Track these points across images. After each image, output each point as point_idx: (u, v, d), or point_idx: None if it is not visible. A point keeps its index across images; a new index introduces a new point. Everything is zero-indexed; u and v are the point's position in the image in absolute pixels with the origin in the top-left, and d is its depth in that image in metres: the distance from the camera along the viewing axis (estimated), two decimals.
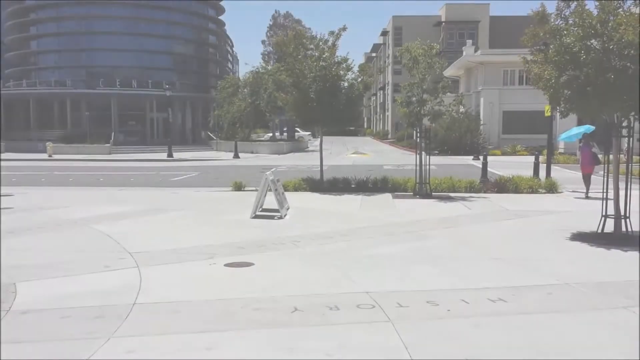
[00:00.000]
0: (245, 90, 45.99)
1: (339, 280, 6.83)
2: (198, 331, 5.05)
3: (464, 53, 45.31)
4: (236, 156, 36.65)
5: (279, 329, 5.15)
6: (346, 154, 40.44)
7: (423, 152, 15.42)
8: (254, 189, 16.08)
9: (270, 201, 12.40)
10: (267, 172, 12.47)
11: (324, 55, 16.53)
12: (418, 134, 15.79)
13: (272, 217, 11.83)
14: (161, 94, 42.25)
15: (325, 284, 6.65)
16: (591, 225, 10.25)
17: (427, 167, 15.37)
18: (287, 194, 14.96)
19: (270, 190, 12.31)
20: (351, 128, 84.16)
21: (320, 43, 16.73)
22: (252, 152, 41.96)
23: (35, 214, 12.31)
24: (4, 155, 40.06)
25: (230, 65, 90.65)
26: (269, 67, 45.79)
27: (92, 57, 57.21)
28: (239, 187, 17.08)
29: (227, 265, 7.62)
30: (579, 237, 9.66)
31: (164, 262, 7.82)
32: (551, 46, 9.50)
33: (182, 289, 6.47)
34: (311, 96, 16.24)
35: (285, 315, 5.49)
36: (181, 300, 5.97)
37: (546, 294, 6.27)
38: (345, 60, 16.83)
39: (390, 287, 6.53)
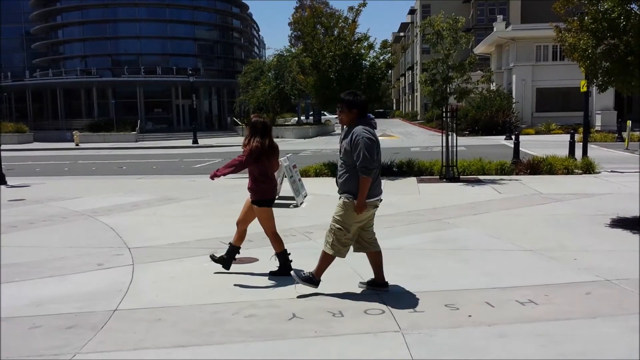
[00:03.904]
0: (269, 74, 45.23)
1: (348, 278, 6.10)
2: (177, 345, 4.39)
3: (495, 29, 43.74)
4: None
5: (270, 342, 4.47)
6: None
7: (451, 133, 14.54)
8: None
9: (287, 188, 11.76)
10: (282, 159, 11.77)
11: (343, 34, 15.71)
12: (444, 114, 14.90)
13: (287, 206, 11.19)
14: (186, 80, 41.85)
15: (332, 283, 5.92)
16: (633, 209, 9.36)
17: (455, 148, 14.51)
18: (307, 179, 14.34)
19: (286, 177, 11.66)
20: (380, 110, 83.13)
21: (340, 20, 15.91)
22: (277, 137, 41.34)
23: (44, 206, 11.90)
24: (33, 145, 40.40)
25: (256, 50, 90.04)
26: (294, 50, 44.84)
27: (116, 45, 57.20)
28: None
29: None
30: (620, 223, 8.76)
31: (162, 258, 7.23)
32: (587, 12, 8.58)
33: (173, 291, 5.85)
34: (331, 77, 15.46)
35: (281, 324, 4.82)
36: (167, 306, 5.34)
37: (584, 294, 5.46)
38: (366, 38, 15.97)
39: (404, 287, 5.80)
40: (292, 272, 5.78)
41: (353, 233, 5.43)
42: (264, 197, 6.16)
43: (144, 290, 5.89)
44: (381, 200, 5.54)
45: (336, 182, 5.51)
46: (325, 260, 5.57)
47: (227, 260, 6.44)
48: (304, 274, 5.68)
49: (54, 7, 58.76)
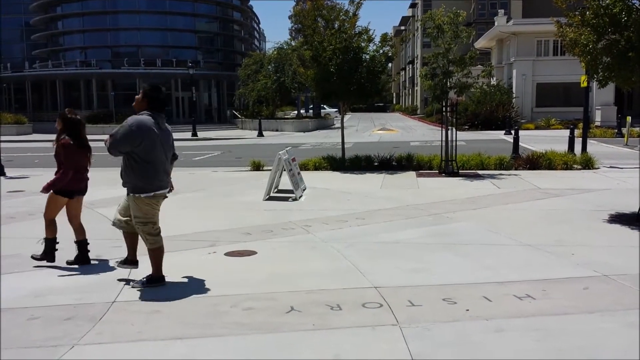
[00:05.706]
0: (269, 67, 45.09)
1: (346, 272, 6.13)
2: (174, 337, 4.40)
3: (496, 23, 43.68)
4: (260, 134, 36.06)
5: (268, 334, 4.48)
6: (373, 130, 39.51)
7: (450, 127, 14.53)
8: (272, 168, 15.49)
9: (286, 182, 11.76)
10: (281, 152, 11.78)
11: (344, 27, 15.68)
12: (444, 108, 14.87)
13: (286, 199, 11.19)
14: (186, 73, 41.74)
15: (330, 277, 5.96)
16: (631, 205, 9.37)
17: (454, 143, 14.50)
18: (306, 173, 14.32)
19: (285, 170, 11.66)
20: (380, 104, 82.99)
21: (341, 13, 15.86)
22: (277, 130, 41.30)
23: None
24: (32, 137, 40.34)
25: (257, 43, 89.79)
26: (294, 43, 44.68)
27: (116, 37, 57.03)
28: (257, 167, 16.48)
29: (227, 254, 7.01)
30: (619, 218, 8.77)
31: None
32: (588, 7, 8.56)
33: (171, 283, 5.86)
34: (331, 70, 15.43)
35: (279, 317, 4.82)
36: (165, 298, 5.35)
37: (582, 289, 5.48)
38: (367, 31, 15.93)
39: (402, 281, 5.81)
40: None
41: (156, 219, 5.70)
42: (65, 187, 6.51)
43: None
44: (166, 197, 5.89)
45: (120, 174, 5.73)
46: (155, 256, 5.73)
47: (82, 257, 6.65)
48: (144, 279, 5.77)
49: None
